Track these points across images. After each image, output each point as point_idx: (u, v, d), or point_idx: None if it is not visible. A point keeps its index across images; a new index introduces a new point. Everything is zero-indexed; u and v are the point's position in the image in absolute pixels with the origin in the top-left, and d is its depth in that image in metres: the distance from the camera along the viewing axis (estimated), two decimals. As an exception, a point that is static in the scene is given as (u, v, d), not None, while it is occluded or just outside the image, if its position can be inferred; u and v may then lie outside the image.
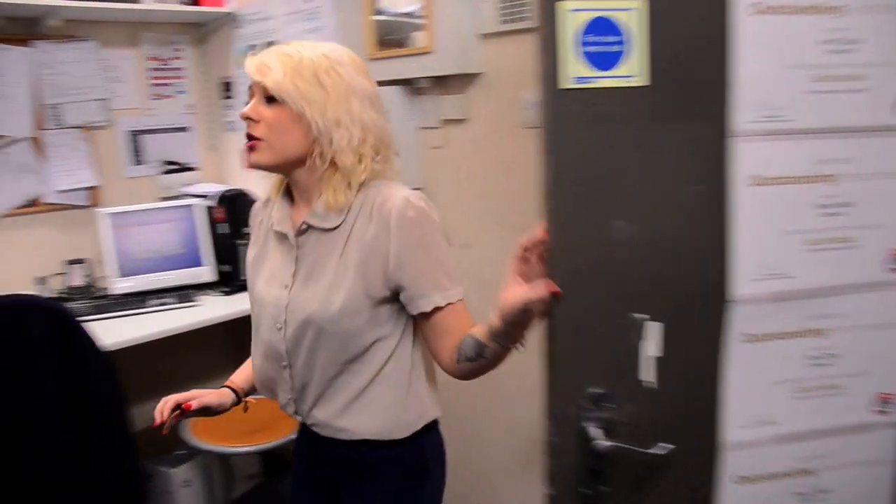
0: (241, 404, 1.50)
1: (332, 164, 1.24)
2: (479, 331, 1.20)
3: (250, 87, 1.28)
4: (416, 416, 1.32)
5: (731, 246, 0.97)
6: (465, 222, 2.10)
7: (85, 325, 1.90)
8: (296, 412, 1.36)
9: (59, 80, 2.68)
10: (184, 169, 3.07)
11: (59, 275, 2.70)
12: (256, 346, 1.40)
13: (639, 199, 0.97)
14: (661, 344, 0.99)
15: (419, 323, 1.29)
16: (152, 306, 2.53)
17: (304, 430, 1.41)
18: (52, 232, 2.73)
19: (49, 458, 1.80)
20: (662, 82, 0.94)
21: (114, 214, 2.66)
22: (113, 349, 2.16)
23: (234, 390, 1.48)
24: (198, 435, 2.33)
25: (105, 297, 2.65)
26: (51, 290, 2.66)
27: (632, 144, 0.96)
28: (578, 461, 1.02)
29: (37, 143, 2.65)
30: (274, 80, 1.22)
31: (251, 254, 1.43)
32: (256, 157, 1.26)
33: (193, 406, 1.40)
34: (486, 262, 2.00)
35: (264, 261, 1.38)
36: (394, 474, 1.34)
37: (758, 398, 1.02)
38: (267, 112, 1.24)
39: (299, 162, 1.27)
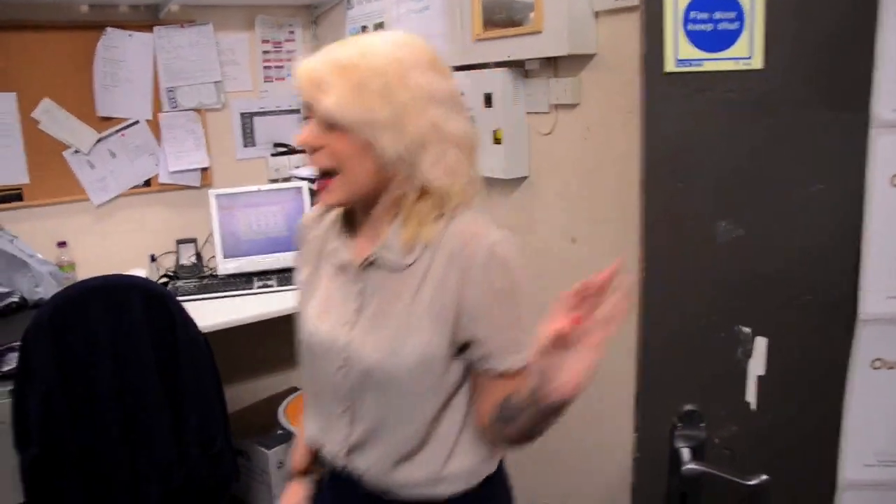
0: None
1: (421, 190, 1.05)
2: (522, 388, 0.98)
3: (307, 104, 1.05)
4: (480, 464, 1.14)
5: (864, 255, 0.83)
6: (572, 215, 1.98)
7: (183, 306, 1.94)
8: (344, 463, 1.14)
9: (176, 64, 2.77)
10: (293, 151, 3.11)
11: (170, 253, 2.81)
12: (310, 383, 1.21)
13: (749, 198, 0.85)
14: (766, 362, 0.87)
15: (476, 376, 1.10)
16: (255, 288, 2.58)
17: (342, 482, 1.17)
18: (165, 211, 2.84)
19: (143, 433, 1.86)
20: (782, 64, 0.81)
21: (222, 196, 2.72)
22: (216, 329, 2.22)
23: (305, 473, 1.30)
24: (293, 419, 2.35)
25: (211, 276, 2.73)
26: (162, 268, 2.77)
27: (743, 136, 0.84)
28: (666, 482, 0.92)
29: (153, 125, 2.76)
30: (333, 104, 0.99)
31: (303, 273, 1.23)
32: (329, 197, 1.07)
33: None
34: (593, 260, 1.88)
35: (316, 286, 1.18)
36: None
37: (888, 434, 0.87)
38: (330, 139, 1.03)
39: (381, 191, 1.07)
